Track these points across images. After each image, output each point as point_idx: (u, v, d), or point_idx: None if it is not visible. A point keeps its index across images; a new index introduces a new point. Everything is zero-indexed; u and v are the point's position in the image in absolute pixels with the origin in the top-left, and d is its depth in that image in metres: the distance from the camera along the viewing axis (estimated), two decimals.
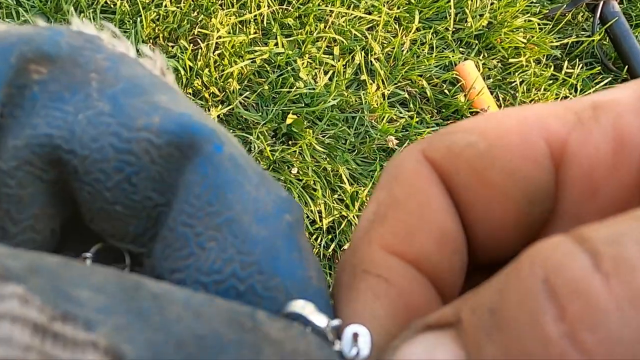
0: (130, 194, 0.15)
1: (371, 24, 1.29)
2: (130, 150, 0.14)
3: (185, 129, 0.15)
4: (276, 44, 1.20)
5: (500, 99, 1.32)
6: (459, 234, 0.15)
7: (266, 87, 1.16)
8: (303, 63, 1.20)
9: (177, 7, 1.17)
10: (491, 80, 1.33)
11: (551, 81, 1.36)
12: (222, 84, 1.14)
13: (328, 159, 1.13)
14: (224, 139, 0.15)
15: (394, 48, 1.28)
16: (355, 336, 0.14)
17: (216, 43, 1.16)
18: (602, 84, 1.38)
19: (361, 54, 1.25)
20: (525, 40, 1.37)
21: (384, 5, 1.30)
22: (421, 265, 0.15)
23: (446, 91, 1.28)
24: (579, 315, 0.10)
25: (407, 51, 1.29)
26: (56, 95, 0.15)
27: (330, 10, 1.26)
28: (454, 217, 0.15)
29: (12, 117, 0.14)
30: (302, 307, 0.14)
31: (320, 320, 0.14)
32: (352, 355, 0.13)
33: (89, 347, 0.10)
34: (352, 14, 1.28)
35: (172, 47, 1.16)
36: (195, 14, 1.19)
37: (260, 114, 1.15)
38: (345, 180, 1.12)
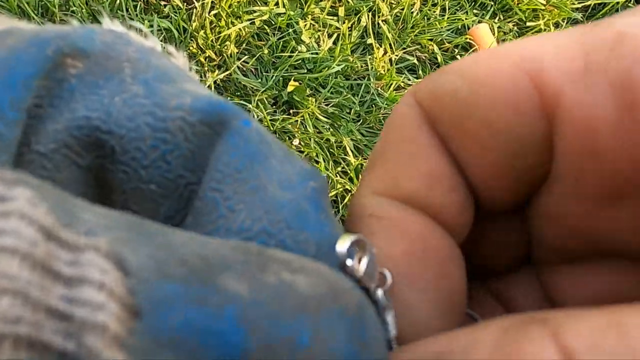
0: (164, 172, 0.16)
1: None
2: (166, 129, 0.16)
3: (215, 108, 0.16)
4: (277, 4, 1.17)
5: None
6: (452, 173, 0.15)
7: (266, 51, 1.12)
8: (305, 25, 1.15)
9: None
10: None
11: None
12: (218, 47, 1.11)
13: (331, 130, 1.11)
14: (250, 118, 0.17)
15: (403, 9, 1.24)
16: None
17: (212, 2, 1.12)
18: None
19: (368, 15, 1.22)
20: (544, 2, 1.31)
21: None
22: (412, 203, 0.16)
23: (458, 57, 1.24)
24: None
25: (417, 13, 1.25)
26: (92, 84, 0.16)
27: None
28: (445, 158, 0.15)
29: (51, 106, 0.16)
30: None
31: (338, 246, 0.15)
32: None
33: (89, 250, 0.10)
34: None
35: (164, 6, 1.12)
36: None
37: (259, 80, 1.11)
38: (350, 152, 1.10)
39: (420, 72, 1.22)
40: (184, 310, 0.10)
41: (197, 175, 0.16)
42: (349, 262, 0.14)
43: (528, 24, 1.31)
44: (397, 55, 1.21)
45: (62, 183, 0.16)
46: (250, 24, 1.14)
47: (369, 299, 0.15)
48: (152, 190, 0.16)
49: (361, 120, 1.15)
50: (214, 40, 1.12)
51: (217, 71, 1.11)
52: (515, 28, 1.32)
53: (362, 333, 0.12)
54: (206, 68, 1.10)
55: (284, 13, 1.16)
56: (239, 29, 1.13)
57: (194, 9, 1.12)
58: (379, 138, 0.17)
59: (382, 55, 1.19)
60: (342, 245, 0.15)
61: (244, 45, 1.14)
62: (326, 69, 1.13)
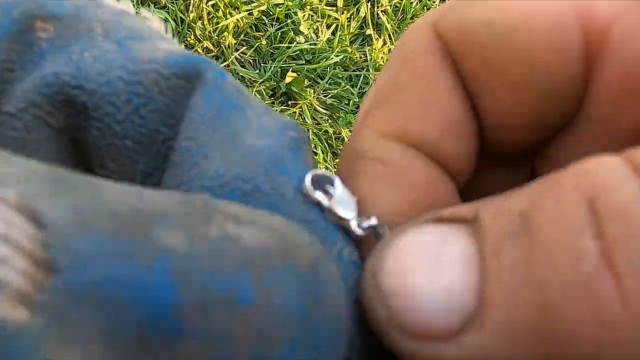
0: (139, 127, 0.16)
1: None
2: (139, 82, 0.15)
3: (189, 61, 0.16)
4: None
5: None
6: (468, 120, 0.15)
7: (264, 42, 1.12)
8: (304, 15, 1.16)
9: None
10: None
11: None
12: (216, 38, 1.11)
13: (330, 121, 1.12)
14: (225, 71, 0.16)
15: None
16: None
17: None
18: None
19: (367, 5, 1.22)
20: None
21: None
22: (421, 149, 0.15)
23: None
24: (618, 237, 0.10)
25: (417, 3, 1.25)
26: (62, 45, 0.16)
27: None
28: (463, 103, 0.14)
29: (22, 70, 0.16)
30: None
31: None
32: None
33: None
34: None
35: None
36: None
37: (257, 71, 1.11)
38: None
39: None
40: (108, 264, 0.10)
41: (174, 130, 0.16)
42: (318, 195, 0.14)
43: None
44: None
45: (33, 143, 0.15)
46: (248, 14, 1.14)
47: (347, 236, 0.14)
48: (127, 147, 0.16)
49: None
50: (211, 31, 1.12)
51: (214, 62, 1.11)
52: None
53: (316, 290, 0.12)
54: None
55: (282, 4, 1.16)
56: (237, 19, 1.13)
57: (191, 0, 1.12)
58: (384, 69, 0.15)
59: (381, 46, 1.19)
60: (308, 178, 0.14)
61: (242, 36, 1.14)
62: (325, 59, 1.14)
